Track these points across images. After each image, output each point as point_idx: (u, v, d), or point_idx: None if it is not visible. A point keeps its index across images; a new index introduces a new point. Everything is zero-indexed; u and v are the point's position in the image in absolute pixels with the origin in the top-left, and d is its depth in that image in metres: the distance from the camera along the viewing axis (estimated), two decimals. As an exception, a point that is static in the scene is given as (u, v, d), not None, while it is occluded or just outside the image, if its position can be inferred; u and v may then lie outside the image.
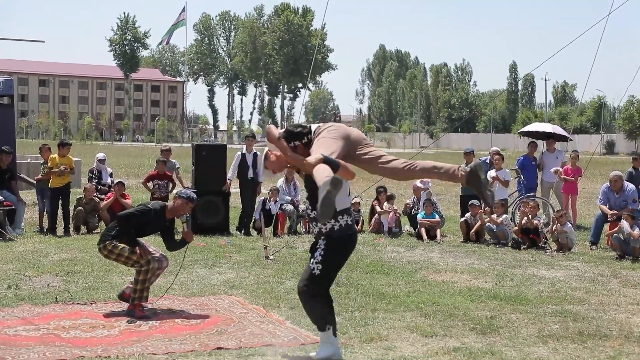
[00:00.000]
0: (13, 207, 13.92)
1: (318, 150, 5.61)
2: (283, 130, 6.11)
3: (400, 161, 5.81)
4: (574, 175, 16.21)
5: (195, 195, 8.44)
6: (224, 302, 8.47)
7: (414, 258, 11.97)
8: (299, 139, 5.98)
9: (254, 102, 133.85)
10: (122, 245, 7.91)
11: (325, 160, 5.46)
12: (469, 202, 14.35)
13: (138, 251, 7.88)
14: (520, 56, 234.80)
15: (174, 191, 15.48)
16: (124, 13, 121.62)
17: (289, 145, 5.96)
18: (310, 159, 5.50)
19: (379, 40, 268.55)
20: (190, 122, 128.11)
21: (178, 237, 8.48)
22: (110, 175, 16.21)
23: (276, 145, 5.99)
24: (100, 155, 16.21)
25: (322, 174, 5.34)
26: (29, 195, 16.71)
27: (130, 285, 8.03)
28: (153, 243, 8.97)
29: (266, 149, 6.24)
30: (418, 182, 15.59)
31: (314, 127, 6.08)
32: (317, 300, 6.00)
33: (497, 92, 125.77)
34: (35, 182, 14.83)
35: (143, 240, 8.15)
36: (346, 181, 5.73)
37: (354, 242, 6.12)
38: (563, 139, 18.41)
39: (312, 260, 6.00)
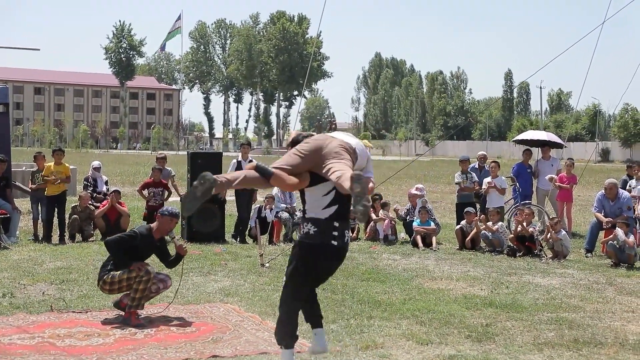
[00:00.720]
0: (8, 215, 13.90)
1: (285, 159, 5.67)
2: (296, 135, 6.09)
3: (334, 175, 5.43)
4: (569, 183, 16.24)
5: (177, 210, 8.51)
6: (220, 310, 8.46)
7: (409, 265, 11.97)
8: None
9: (249, 110, 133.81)
10: (119, 272, 7.95)
11: (257, 168, 5.53)
12: (465, 210, 14.37)
13: (133, 267, 7.92)
14: (515, 64, 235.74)
15: (170, 199, 15.52)
16: (120, 21, 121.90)
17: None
18: (248, 165, 5.65)
19: (375, 48, 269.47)
20: (186, 129, 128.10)
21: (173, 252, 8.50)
22: (106, 183, 16.19)
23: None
24: (96, 163, 16.20)
25: (230, 175, 5.60)
26: (23, 204, 16.68)
27: (127, 294, 8.03)
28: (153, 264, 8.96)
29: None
30: (413, 190, 15.63)
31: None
32: (282, 312, 5.96)
33: (492, 99, 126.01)
34: (30, 190, 14.80)
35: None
36: (327, 194, 5.68)
37: (318, 253, 5.74)
38: (558, 146, 18.47)
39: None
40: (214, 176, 5.41)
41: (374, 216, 15.10)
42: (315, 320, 6.12)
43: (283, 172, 5.57)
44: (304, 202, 5.89)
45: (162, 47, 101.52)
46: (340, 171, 5.40)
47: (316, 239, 5.75)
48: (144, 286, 7.89)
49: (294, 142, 5.94)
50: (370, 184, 5.81)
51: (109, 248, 8.06)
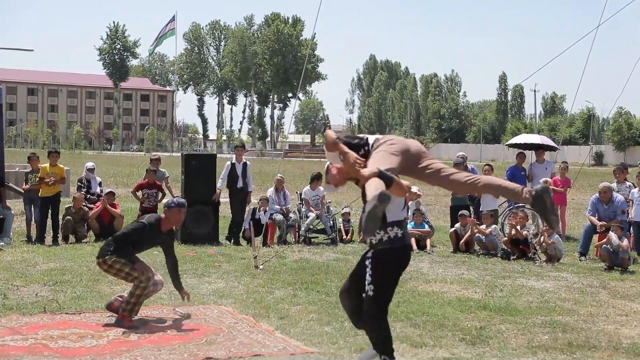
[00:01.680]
0: (1, 216, 13.86)
1: (375, 164, 5.46)
2: (337, 138, 5.89)
3: (463, 174, 5.69)
4: (563, 186, 16.27)
5: (184, 201, 8.44)
6: (213, 312, 8.45)
7: (403, 268, 11.95)
8: (355, 151, 5.73)
9: (243, 112, 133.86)
10: (123, 260, 7.89)
11: (380, 175, 5.32)
12: (459, 213, 14.38)
13: (137, 267, 7.89)
14: (509, 67, 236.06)
15: (164, 201, 15.48)
16: (114, 22, 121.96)
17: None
18: (365, 172, 5.37)
19: (370, 51, 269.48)
20: (180, 131, 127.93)
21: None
22: (100, 184, 16.16)
23: (336, 149, 5.73)
24: (90, 164, 16.18)
25: (373, 189, 5.23)
26: (16, 205, 16.64)
27: (120, 297, 8.01)
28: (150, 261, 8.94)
29: (327, 162, 6.06)
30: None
31: (371, 139, 5.84)
32: (379, 323, 5.84)
33: (486, 102, 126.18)
34: (23, 191, 14.76)
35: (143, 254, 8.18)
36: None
37: (404, 254, 5.89)
38: (552, 148, 18.50)
39: (364, 281, 5.82)
40: (381, 191, 5.21)
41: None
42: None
43: (397, 178, 5.50)
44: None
45: (150, 53, 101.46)
46: (461, 172, 5.69)
47: (402, 241, 5.81)
48: (141, 292, 7.85)
49: (347, 147, 5.72)
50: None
51: (117, 243, 7.99)
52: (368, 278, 5.77)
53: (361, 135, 5.96)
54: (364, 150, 5.75)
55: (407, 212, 6.02)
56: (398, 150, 5.61)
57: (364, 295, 5.84)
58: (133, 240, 7.99)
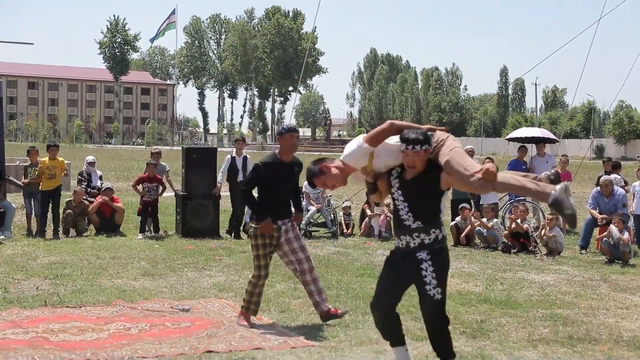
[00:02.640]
0: (2, 210, 13.86)
1: (465, 162, 5.28)
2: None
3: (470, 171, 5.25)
4: (563, 180, 16.24)
5: (293, 124, 8.05)
6: (214, 305, 8.45)
7: (404, 262, 11.95)
8: (427, 143, 5.40)
9: (244, 105, 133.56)
10: (262, 252, 7.50)
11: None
12: (460, 206, 14.36)
13: (261, 262, 7.51)
14: (510, 61, 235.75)
15: (164, 194, 15.48)
16: (114, 16, 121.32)
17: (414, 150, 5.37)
18: (486, 166, 5.23)
19: (370, 44, 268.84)
20: (181, 125, 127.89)
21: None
22: (100, 178, 16.17)
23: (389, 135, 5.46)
24: (90, 158, 16.18)
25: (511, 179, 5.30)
26: (17, 198, 16.63)
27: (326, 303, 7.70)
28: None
29: (316, 166, 5.71)
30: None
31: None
32: (446, 326, 5.57)
33: (487, 96, 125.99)
34: (22, 184, 14.76)
35: None
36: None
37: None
38: (552, 141, 18.51)
39: (426, 286, 5.41)
40: (563, 183, 5.34)
41: (369, 212, 15.10)
42: (403, 336, 5.87)
43: None
44: (437, 206, 5.54)
45: (151, 40, 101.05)
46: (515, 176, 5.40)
47: (446, 240, 5.59)
48: (252, 289, 7.57)
49: (413, 141, 5.35)
50: None
51: (243, 197, 7.68)
52: (432, 281, 5.40)
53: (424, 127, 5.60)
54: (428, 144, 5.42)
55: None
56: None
57: (423, 299, 5.46)
58: (256, 183, 7.55)
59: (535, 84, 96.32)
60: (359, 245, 13.74)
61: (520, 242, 13.27)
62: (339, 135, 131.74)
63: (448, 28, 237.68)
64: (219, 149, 16.97)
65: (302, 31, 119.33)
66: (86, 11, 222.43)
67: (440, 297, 5.41)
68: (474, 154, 16.93)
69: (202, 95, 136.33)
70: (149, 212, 14.68)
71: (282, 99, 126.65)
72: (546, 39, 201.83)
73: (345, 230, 15.26)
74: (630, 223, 13.61)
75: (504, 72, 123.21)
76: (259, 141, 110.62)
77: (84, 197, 14.78)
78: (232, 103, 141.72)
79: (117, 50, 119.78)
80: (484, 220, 13.73)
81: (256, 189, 7.65)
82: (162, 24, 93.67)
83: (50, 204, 14.14)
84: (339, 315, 7.61)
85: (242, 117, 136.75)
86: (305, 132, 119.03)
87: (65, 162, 15.22)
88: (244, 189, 7.75)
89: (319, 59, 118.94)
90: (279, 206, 7.62)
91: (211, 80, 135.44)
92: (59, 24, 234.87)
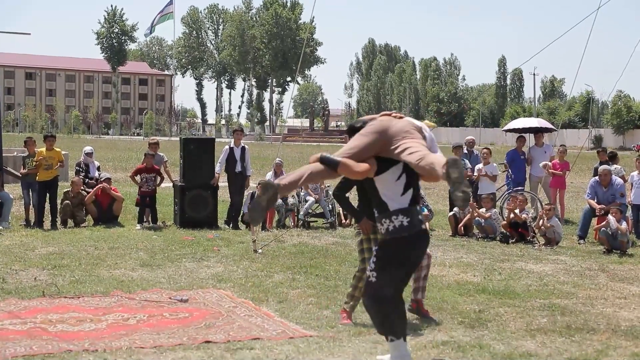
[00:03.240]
0: (0, 200, 13.85)
1: (348, 145, 5.39)
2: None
3: (415, 155, 5.21)
4: (561, 170, 16.25)
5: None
6: (212, 296, 8.45)
7: (402, 252, 11.95)
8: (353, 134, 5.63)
9: (242, 96, 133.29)
10: (366, 246, 7.47)
11: (322, 159, 5.30)
12: (458, 196, 14.33)
13: (365, 256, 7.39)
14: (509, 50, 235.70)
15: (162, 185, 15.46)
16: (112, 6, 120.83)
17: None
18: (311, 158, 5.35)
19: (368, 34, 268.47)
20: (179, 115, 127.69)
21: None
22: (98, 168, 16.13)
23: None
24: (88, 148, 16.14)
25: (293, 175, 5.32)
26: (15, 189, 16.61)
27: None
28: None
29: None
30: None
31: (368, 119, 5.72)
32: (380, 307, 5.54)
33: (485, 86, 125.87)
34: (20, 175, 14.74)
35: None
36: (398, 179, 5.49)
37: (413, 242, 5.58)
38: (550, 130, 18.54)
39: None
40: (276, 181, 5.22)
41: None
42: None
43: (349, 160, 5.32)
44: (377, 197, 5.59)
45: (151, 30, 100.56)
46: (420, 152, 5.18)
47: (410, 229, 5.52)
48: (355, 283, 7.41)
49: (352, 130, 5.66)
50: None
51: (337, 202, 7.75)
52: (371, 264, 5.61)
53: (364, 118, 5.80)
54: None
55: (419, 197, 5.71)
56: (372, 131, 5.45)
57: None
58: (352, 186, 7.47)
59: (534, 74, 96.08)
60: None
61: (518, 232, 13.27)
62: (337, 126, 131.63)
63: (446, 18, 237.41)
64: (217, 140, 16.95)
65: (300, 21, 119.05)
66: (84, 1, 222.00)
67: (373, 280, 5.54)
68: (474, 144, 16.97)
69: (200, 86, 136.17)
70: (147, 202, 14.68)
71: (280, 89, 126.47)
72: (545, 28, 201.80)
73: (343, 221, 15.25)
74: (628, 213, 13.63)
75: (502, 62, 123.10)
76: (257, 132, 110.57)
77: (82, 187, 14.76)
78: (230, 93, 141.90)
79: (114, 41, 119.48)
80: (482, 210, 13.72)
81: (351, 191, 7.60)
82: (155, 18, 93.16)
83: (48, 195, 14.12)
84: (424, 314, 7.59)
85: (240, 107, 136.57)
86: (303, 122, 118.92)
87: (63, 152, 15.19)
88: (337, 194, 7.69)
89: (317, 49, 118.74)
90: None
91: (209, 70, 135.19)
92: (56, 14, 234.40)
